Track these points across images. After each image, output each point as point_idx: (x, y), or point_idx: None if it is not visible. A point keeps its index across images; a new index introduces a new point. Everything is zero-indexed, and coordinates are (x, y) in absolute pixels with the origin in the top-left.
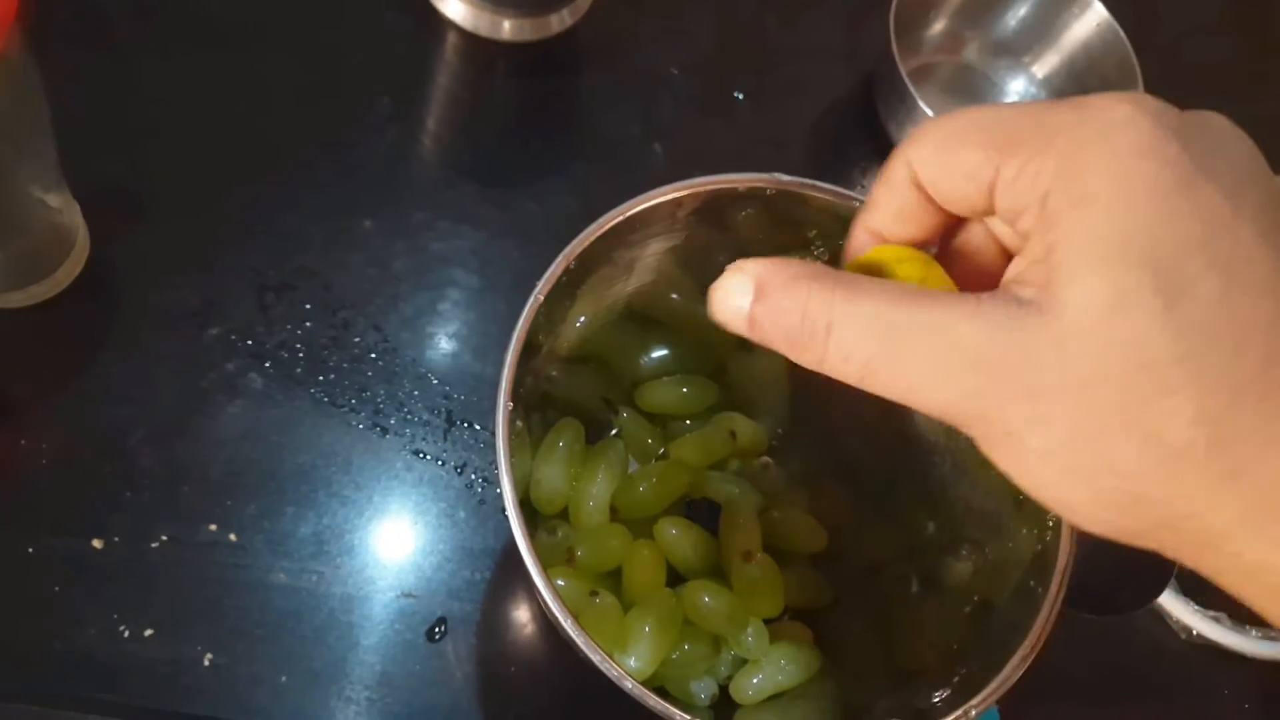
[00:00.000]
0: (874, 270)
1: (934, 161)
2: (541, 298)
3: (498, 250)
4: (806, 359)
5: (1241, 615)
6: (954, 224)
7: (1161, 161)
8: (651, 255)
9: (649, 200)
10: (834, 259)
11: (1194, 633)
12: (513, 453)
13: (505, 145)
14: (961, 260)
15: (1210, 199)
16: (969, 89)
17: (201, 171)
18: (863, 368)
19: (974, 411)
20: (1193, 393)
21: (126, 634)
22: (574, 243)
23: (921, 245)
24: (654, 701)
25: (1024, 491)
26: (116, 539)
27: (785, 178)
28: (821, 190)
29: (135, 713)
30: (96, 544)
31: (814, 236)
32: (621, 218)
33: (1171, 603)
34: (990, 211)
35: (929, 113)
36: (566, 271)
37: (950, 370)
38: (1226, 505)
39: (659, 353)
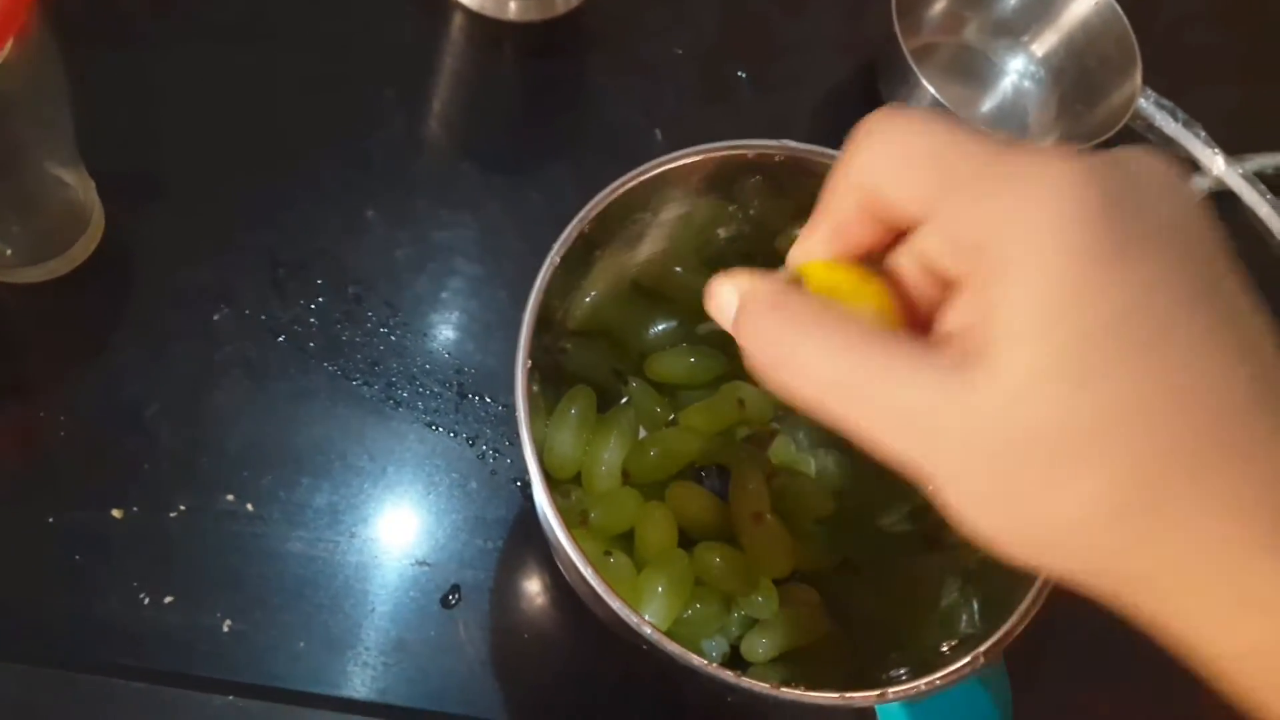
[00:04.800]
0: (823, 284)
1: (881, 169)
2: (558, 259)
3: (501, 236)
4: (775, 382)
5: None
6: (885, 244)
7: (1094, 230)
8: (661, 224)
9: (661, 165)
10: None
11: None
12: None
13: (510, 129)
14: (889, 283)
15: (1140, 266)
16: (969, 69)
17: (213, 151)
18: (818, 406)
19: (909, 460)
20: (1100, 467)
21: (147, 601)
22: (589, 206)
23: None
24: (672, 647)
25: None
26: (135, 509)
27: (794, 144)
28: (829, 157)
29: (156, 677)
30: (116, 514)
31: None
32: (635, 182)
33: None
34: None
35: (932, 91)
36: (580, 237)
37: (891, 426)
38: (1140, 560)
39: (667, 324)
